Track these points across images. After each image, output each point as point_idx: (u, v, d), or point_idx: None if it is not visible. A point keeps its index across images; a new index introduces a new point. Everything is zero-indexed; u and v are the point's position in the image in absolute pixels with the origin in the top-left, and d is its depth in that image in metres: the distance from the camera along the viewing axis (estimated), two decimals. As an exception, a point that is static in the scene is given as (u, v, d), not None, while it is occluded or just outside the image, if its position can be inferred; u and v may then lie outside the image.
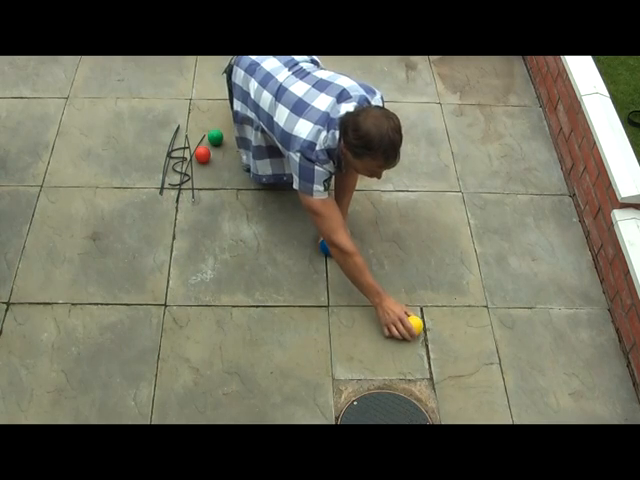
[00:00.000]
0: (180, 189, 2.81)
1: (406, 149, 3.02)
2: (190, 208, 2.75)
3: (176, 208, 2.75)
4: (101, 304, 2.45)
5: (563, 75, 3.01)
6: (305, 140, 2.26)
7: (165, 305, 2.46)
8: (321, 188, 2.29)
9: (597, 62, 2.97)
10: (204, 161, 2.89)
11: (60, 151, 2.91)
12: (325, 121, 2.26)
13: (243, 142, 2.72)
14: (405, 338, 2.38)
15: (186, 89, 3.21)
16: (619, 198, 2.48)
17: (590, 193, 2.73)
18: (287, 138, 2.32)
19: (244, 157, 2.78)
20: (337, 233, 2.33)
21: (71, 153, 2.91)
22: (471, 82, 3.37)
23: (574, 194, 2.88)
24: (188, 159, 2.91)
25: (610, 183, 2.55)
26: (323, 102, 2.30)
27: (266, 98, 2.41)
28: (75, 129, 3.00)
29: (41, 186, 2.78)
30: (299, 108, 2.31)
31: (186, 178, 2.84)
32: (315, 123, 2.27)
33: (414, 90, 3.31)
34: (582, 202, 2.81)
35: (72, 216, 2.69)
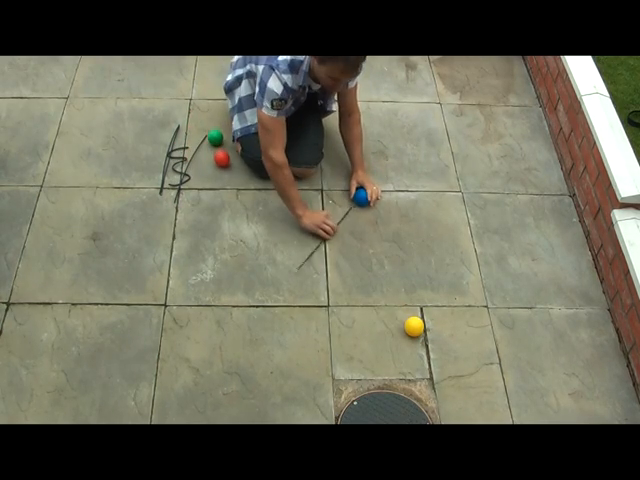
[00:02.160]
0: (180, 189, 2.81)
1: (406, 149, 3.03)
2: (190, 208, 2.75)
3: (176, 208, 2.75)
4: (101, 304, 2.45)
5: (563, 75, 3.01)
6: (272, 57, 2.47)
7: (165, 305, 2.46)
8: (269, 105, 2.47)
9: (597, 62, 2.98)
10: (224, 164, 2.88)
11: (60, 151, 2.91)
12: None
13: (233, 109, 2.85)
14: (329, 233, 2.64)
15: (186, 89, 3.21)
16: (619, 198, 2.48)
17: (590, 193, 2.73)
18: (259, 58, 2.55)
19: (234, 123, 2.85)
20: (275, 148, 2.54)
21: (71, 153, 2.91)
22: (471, 82, 3.37)
23: (574, 194, 2.88)
24: (188, 159, 2.91)
25: (610, 183, 2.55)
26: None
27: None
28: (75, 129, 3.00)
29: (41, 186, 2.78)
30: None
31: (186, 178, 2.84)
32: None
33: (414, 90, 3.31)
34: (582, 202, 2.81)
35: (72, 216, 2.69)
